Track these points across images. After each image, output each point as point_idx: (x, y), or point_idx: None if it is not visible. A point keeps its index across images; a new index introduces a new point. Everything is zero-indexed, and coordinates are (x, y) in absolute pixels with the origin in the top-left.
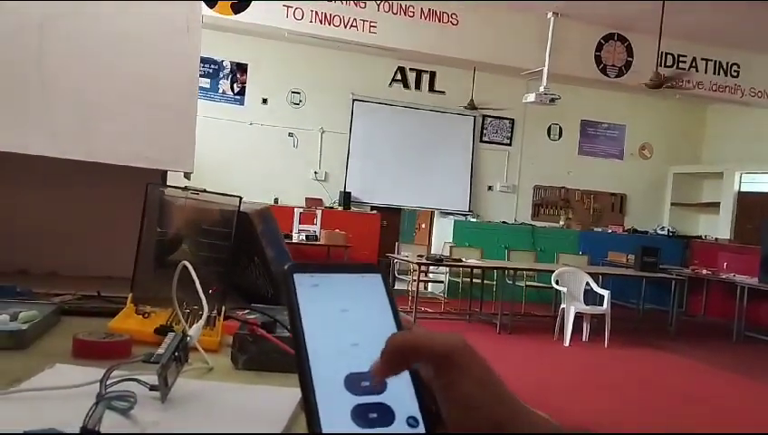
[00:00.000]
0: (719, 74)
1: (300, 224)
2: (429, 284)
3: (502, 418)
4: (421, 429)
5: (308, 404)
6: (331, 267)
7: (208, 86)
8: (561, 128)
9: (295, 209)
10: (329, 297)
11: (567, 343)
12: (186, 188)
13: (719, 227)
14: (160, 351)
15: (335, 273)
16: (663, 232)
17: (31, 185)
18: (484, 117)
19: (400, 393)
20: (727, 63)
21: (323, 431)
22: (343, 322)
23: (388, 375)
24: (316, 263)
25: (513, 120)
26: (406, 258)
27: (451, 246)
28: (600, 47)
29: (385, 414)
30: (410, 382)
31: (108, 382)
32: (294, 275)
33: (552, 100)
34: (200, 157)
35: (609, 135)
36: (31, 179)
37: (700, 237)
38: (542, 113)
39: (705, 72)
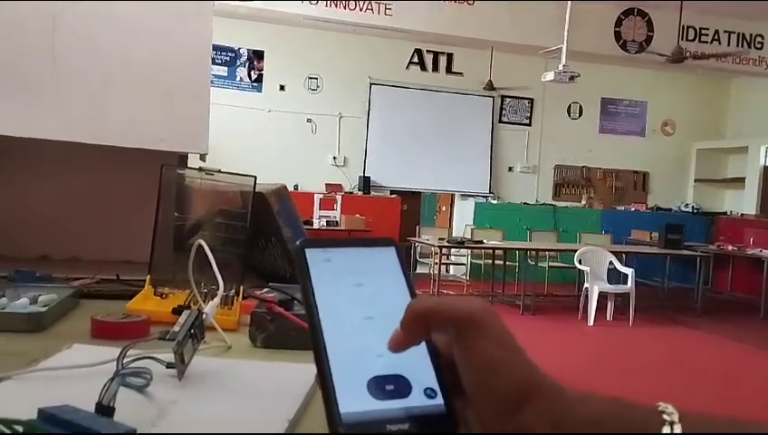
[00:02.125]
0: (743, 46)
1: (320, 210)
2: (451, 266)
3: (528, 385)
4: (439, 400)
5: (323, 379)
6: (344, 242)
7: (226, 74)
8: (581, 106)
9: (315, 195)
10: (341, 272)
11: (591, 323)
12: (201, 169)
13: (744, 202)
14: (176, 328)
15: (348, 247)
16: (687, 209)
17: (50, 171)
18: (502, 97)
19: (417, 365)
20: (751, 35)
21: (340, 405)
22: (357, 295)
23: (410, 344)
24: (328, 238)
25: (532, 99)
26: (427, 242)
27: (472, 229)
28: (619, 22)
29: (402, 386)
30: (427, 354)
31: (124, 361)
32: (306, 251)
33: (572, 78)
34: (219, 145)
35: (631, 112)
36: (50, 166)
37: (725, 213)
38: (561, 92)
39: (729, 45)
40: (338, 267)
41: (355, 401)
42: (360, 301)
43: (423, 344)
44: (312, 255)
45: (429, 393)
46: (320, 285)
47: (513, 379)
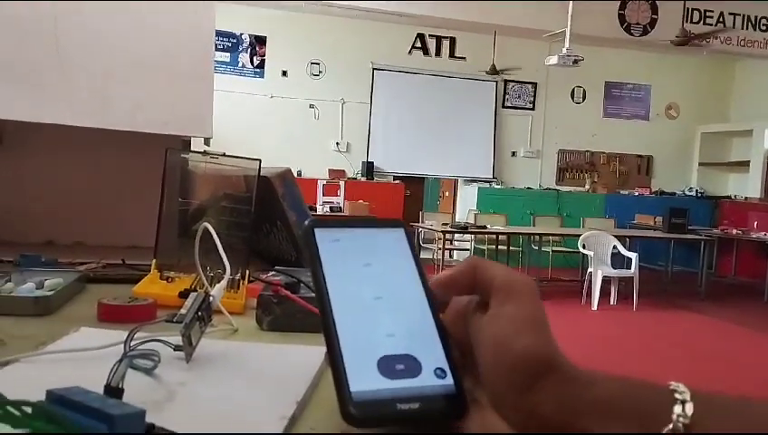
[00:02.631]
0: (748, 29)
1: (324, 196)
2: (455, 252)
3: (541, 358)
4: (449, 380)
5: (333, 358)
6: (353, 222)
7: (228, 60)
8: (584, 90)
9: (318, 181)
10: (351, 252)
11: (595, 307)
12: (205, 153)
13: (749, 185)
14: (183, 311)
15: (357, 227)
16: (691, 193)
17: (55, 157)
18: (506, 82)
19: (427, 345)
20: (756, 17)
21: (350, 384)
22: (366, 275)
23: (453, 284)
24: (337, 219)
25: (535, 83)
26: (430, 227)
27: (476, 214)
28: (623, 5)
29: (412, 366)
30: (436, 334)
31: (132, 343)
32: (315, 231)
33: (575, 61)
34: (222, 131)
35: (635, 96)
36: (55, 151)
37: (729, 197)
38: (565, 76)
39: (734, 27)
40: (347, 248)
41: (365, 380)
42: (369, 281)
43: (432, 325)
44: (321, 235)
45: (439, 374)
46: (329, 265)
47: (529, 352)
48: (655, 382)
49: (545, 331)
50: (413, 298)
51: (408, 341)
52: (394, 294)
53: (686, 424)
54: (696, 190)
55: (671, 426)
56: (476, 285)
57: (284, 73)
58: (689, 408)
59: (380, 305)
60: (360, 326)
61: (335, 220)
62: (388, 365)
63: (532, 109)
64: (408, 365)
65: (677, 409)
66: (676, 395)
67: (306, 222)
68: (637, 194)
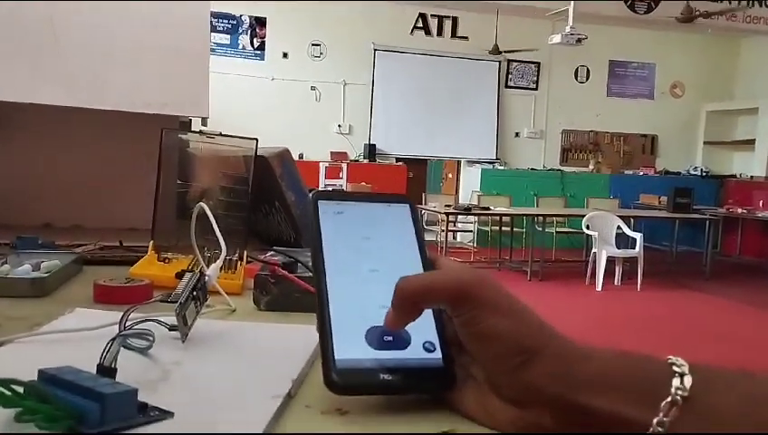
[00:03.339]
0: (753, 5)
1: (326, 178)
2: (458, 234)
3: (532, 344)
4: (437, 354)
5: (321, 325)
6: (358, 196)
7: (228, 42)
8: (588, 69)
9: (321, 164)
10: (352, 225)
11: (599, 288)
12: (201, 133)
13: (754, 164)
14: (178, 290)
15: (361, 201)
16: (696, 172)
17: (52, 139)
18: (509, 62)
19: (419, 320)
20: None
21: (336, 352)
22: (364, 248)
23: (403, 324)
24: (343, 191)
25: (538, 63)
26: (433, 209)
27: (479, 195)
28: None
29: (401, 338)
30: (432, 315)
31: (126, 324)
32: (319, 202)
33: (579, 40)
34: (222, 114)
35: (639, 75)
36: (52, 133)
37: (734, 176)
38: (568, 55)
39: (739, 3)
40: (348, 220)
41: (351, 349)
42: (366, 253)
43: None
44: (324, 207)
45: (428, 347)
46: (328, 236)
47: (514, 343)
48: (653, 356)
49: (521, 318)
50: (410, 272)
51: None
52: (391, 267)
53: (684, 397)
54: (701, 169)
55: (669, 399)
56: (429, 305)
57: (285, 55)
58: (688, 381)
59: (375, 278)
60: (352, 297)
61: (341, 193)
62: (377, 336)
63: (536, 89)
64: (397, 337)
65: (676, 382)
66: (675, 368)
67: (311, 193)
68: (641, 174)
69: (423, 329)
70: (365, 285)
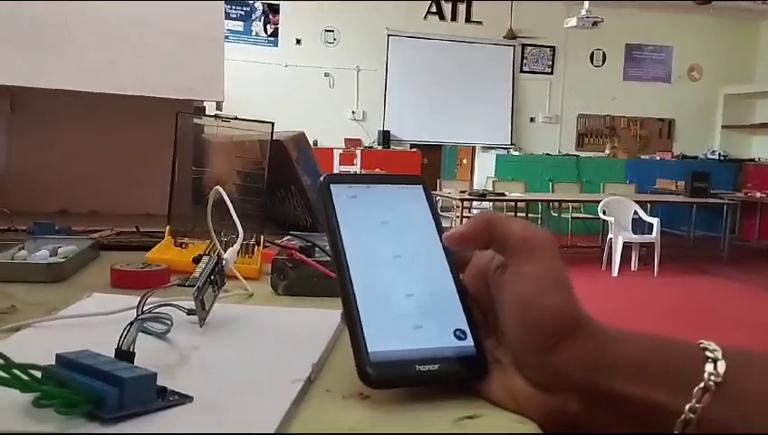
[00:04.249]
0: None
1: (340, 165)
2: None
3: (569, 325)
4: (469, 341)
5: (350, 317)
6: (370, 178)
7: (241, 29)
8: (604, 53)
9: (335, 150)
10: (368, 209)
11: (615, 274)
12: (216, 117)
13: None
14: (195, 274)
15: (374, 184)
16: (714, 156)
17: (68, 125)
18: (523, 46)
19: (446, 305)
20: None
21: (368, 344)
22: (383, 233)
23: (465, 241)
24: (354, 174)
25: (554, 47)
26: (448, 195)
27: (494, 181)
28: None
29: (431, 326)
30: (456, 294)
31: (144, 308)
32: (331, 186)
33: (595, 23)
34: (236, 101)
35: (656, 58)
36: (67, 119)
37: (753, 160)
38: (584, 39)
39: None
40: (364, 204)
41: (383, 340)
42: (386, 239)
43: (452, 285)
44: (337, 190)
45: (459, 335)
46: (345, 222)
47: (553, 311)
48: (684, 340)
49: (567, 289)
50: (432, 257)
51: (427, 301)
52: (413, 252)
53: (717, 383)
54: (719, 153)
55: (702, 384)
56: (492, 241)
57: (298, 42)
58: (721, 366)
59: (399, 264)
60: (377, 285)
61: (352, 175)
62: (407, 326)
63: (551, 73)
64: (427, 326)
65: (709, 367)
66: (707, 353)
67: (321, 177)
68: (658, 158)
69: (452, 317)
70: (389, 273)
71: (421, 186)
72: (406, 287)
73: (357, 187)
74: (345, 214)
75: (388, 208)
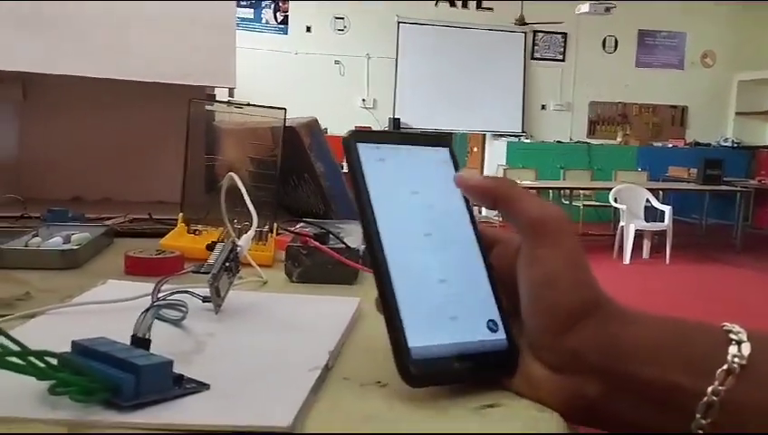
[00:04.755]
0: None
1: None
2: (483, 208)
3: (581, 300)
4: (501, 334)
5: (388, 309)
6: (397, 137)
7: (252, 16)
8: (616, 40)
9: None
10: (397, 176)
11: (627, 262)
12: (229, 103)
13: None
14: (210, 261)
15: (401, 144)
16: (727, 144)
17: (80, 112)
18: (534, 33)
19: (479, 293)
20: None
21: (408, 339)
22: (414, 206)
23: (472, 192)
24: (380, 131)
25: (565, 34)
26: None
27: (504, 169)
28: None
29: (465, 317)
30: (488, 281)
31: (159, 295)
32: (359, 147)
33: (607, 9)
34: (246, 89)
35: (669, 44)
36: (79, 106)
37: (767, 147)
38: (596, 25)
39: None
40: (393, 170)
41: (422, 334)
42: (417, 213)
43: (483, 270)
44: (365, 152)
45: (491, 326)
46: (375, 192)
47: (569, 294)
48: (707, 323)
49: (582, 270)
50: (462, 236)
51: (460, 288)
52: (444, 230)
53: (742, 365)
54: (732, 141)
55: (726, 367)
56: (506, 214)
57: (308, 29)
58: (746, 348)
59: (430, 244)
60: (411, 270)
61: (379, 133)
62: (443, 317)
63: (563, 60)
64: (462, 317)
65: (733, 349)
66: (731, 335)
67: (347, 134)
68: (670, 146)
69: (484, 306)
70: (422, 254)
71: (447, 148)
72: (439, 272)
73: (385, 147)
74: (375, 182)
75: (418, 176)
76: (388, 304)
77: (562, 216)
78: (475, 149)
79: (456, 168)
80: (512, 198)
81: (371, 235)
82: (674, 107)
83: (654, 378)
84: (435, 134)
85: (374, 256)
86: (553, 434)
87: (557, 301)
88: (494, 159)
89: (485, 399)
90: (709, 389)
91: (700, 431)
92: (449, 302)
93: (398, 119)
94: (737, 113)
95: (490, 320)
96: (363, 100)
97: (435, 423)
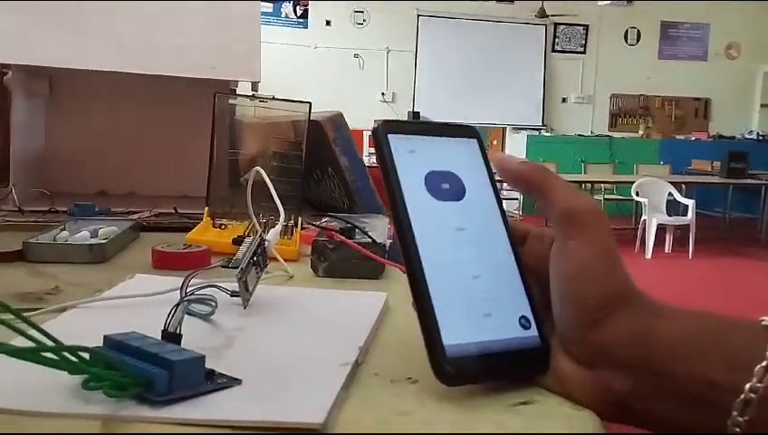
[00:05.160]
0: None
1: (370, 147)
2: (504, 201)
3: (612, 293)
4: (533, 331)
5: (423, 306)
6: (426, 128)
7: (271, 10)
8: (638, 31)
9: (364, 132)
10: (428, 168)
11: (649, 256)
12: (254, 96)
13: None
14: (238, 256)
15: (432, 135)
16: (751, 136)
17: (105, 106)
18: (555, 25)
19: (511, 289)
20: None
21: (443, 337)
22: (446, 200)
23: (509, 174)
24: (409, 121)
25: (587, 26)
26: None
27: None
28: None
29: (500, 314)
30: (519, 276)
31: (188, 289)
32: (390, 138)
33: (629, 0)
34: (265, 84)
35: (692, 36)
36: (105, 101)
37: None
38: (618, 17)
39: None
40: (423, 162)
41: (457, 331)
42: (449, 207)
43: (514, 265)
44: (396, 143)
45: (524, 323)
46: (407, 186)
47: (600, 287)
48: (744, 318)
49: (614, 263)
50: (494, 231)
51: (494, 284)
52: (476, 224)
53: None
54: (757, 133)
55: (765, 363)
56: (539, 202)
57: (328, 23)
58: None
59: (463, 239)
60: (445, 265)
61: (409, 122)
62: (478, 314)
63: (584, 53)
64: (496, 314)
65: None
66: None
67: (376, 124)
68: (693, 139)
69: (517, 302)
70: (455, 249)
71: (476, 139)
72: (472, 267)
73: (414, 138)
74: (406, 175)
75: (449, 169)
76: (421, 301)
77: (595, 207)
78: (495, 143)
79: (486, 159)
80: (545, 187)
81: (404, 229)
82: (697, 99)
83: (689, 374)
84: (463, 125)
85: (407, 252)
86: (590, 434)
87: (587, 294)
88: (515, 153)
89: (519, 396)
90: (747, 386)
91: (737, 429)
92: (483, 298)
93: (418, 112)
94: (762, 105)
95: (522, 317)
96: (383, 93)
97: (469, 421)
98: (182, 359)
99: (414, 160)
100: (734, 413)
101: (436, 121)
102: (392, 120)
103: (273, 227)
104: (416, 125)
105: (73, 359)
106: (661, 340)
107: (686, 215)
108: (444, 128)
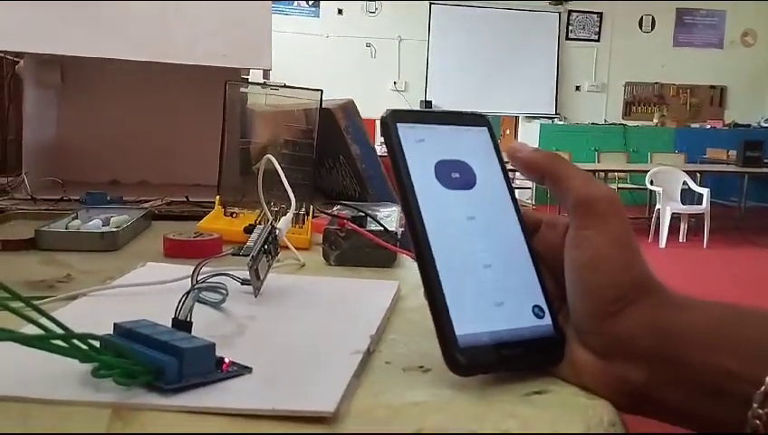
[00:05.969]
0: None
1: (381, 136)
2: (516, 190)
3: (629, 284)
4: (547, 320)
5: (434, 296)
6: (435, 117)
7: None
8: (653, 18)
9: (376, 121)
10: (438, 158)
11: (663, 245)
12: (265, 84)
13: None
14: (249, 243)
15: (440, 124)
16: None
17: (117, 95)
18: (569, 12)
19: (524, 278)
20: None
21: (455, 327)
22: (456, 188)
23: (522, 162)
24: (417, 110)
25: (601, 13)
26: None
27: None
28: None
29: (512, 303)
30: (532, 265)
31: (199, 278)
32: (398, 127)
33: None
34: (276, 72)
35: (708, 23)
36: (117, 90)
37: None
38: (632, 4)
39: None
40: (433, 151)
41: (469, 321)
42: (460, 196)
43: (527, 254)
44: (404, 132)
45: (537, 312)
46: (417, 175)
47: (617, 277)
48: (761, 308)
49: (630, 253)
50: (506, 219)
51: (506, 273)
52: (487, 213)
53: None
54: None
55: None
56: (553, 191)
57: (340, 12)
58: None
59: (474, 228)
60: (456, 254)
61: (416, 111)
62: (489, 303)
63: (598, 40)
64: (509, 303)
65: None
66: None
67: (385, 113)
68: (708, 127)
69: (530, 291)
70: (466, 238)
71: (486, 127)
72: (484, 257)
73: (423, 127)
74: (415, 163)
75: (458, 157)
76: (432, 291)
77: (611, 195)
78: (508, 132)
79: (497, 147)
80: (559, 175)
81: (414, 219)
82: (713, 87)
83: (706, 364)
84: (473, 113)
85: (417, 241)
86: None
87: (603, 284)
88: (528, 142)
89: (533, 386)
90: (767, 378)
91: (757, 421)
92: (495, 287)
93: (430, 101)
94: None
95: (536, 305)
96: (395, 82)
97: (483, 411)
98: (192, 347)
99: (423, 149)
100: (755, 405)
101: (445, 110)
102: (400, 110)
103: (285, 215)
104: (424, 114)
105: (83, 347)
106: (681, 331)
107: (700, 204)
108: (453, 116)
